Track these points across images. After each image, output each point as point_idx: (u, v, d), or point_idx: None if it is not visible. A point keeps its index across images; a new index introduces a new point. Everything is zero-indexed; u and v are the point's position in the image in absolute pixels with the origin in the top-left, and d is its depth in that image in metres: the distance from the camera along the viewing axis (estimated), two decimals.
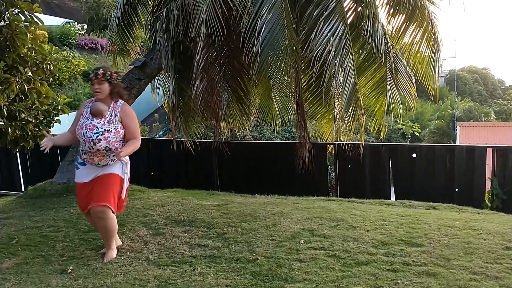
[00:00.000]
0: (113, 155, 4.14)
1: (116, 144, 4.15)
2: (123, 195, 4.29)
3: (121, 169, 4.25)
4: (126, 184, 4.34)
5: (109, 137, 4.11)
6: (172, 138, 7.18)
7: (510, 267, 3.87)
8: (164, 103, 7.56)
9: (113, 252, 4.30)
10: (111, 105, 4.22)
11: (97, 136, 4.08)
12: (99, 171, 4.20)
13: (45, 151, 4.15)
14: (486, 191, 7.56)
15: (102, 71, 4.14)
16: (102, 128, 4.11)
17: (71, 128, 4.37)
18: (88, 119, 4.16)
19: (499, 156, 7.48)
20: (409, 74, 7.29)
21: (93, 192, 4.16)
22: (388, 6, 6.77)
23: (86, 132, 4.10)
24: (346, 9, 6.37)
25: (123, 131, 4.20)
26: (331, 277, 3.73)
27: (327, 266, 3.96)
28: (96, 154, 4.14)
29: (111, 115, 4.18)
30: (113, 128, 4.14)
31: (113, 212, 4.14)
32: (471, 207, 6.54)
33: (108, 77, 4.16)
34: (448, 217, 5.53)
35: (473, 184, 7.61)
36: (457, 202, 6.85)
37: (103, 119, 4.14)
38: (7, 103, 5.59)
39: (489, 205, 7.37)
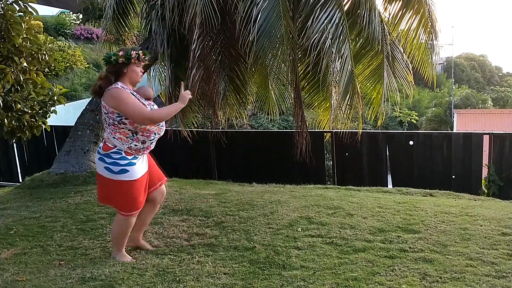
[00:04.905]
0: None
1: None
2: None
3: None
4: None
5: None
6: (169, 128, 7.17)
7: (506, 252, 3.89)
8: (161, 93, 7.54)
9: None
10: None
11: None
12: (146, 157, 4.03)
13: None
14: (483, 178, 7.60)
15: (143, 53, 3.91)
16: None
17: (143, 107, 3.75)
18: (152, 105, 3.89)
19: (496, 142, 7.50)
20: (406, 62, 7.28)
21: (155, 172, 4.13)
22: None
23: None
24: None
25: None
26: (329, 264, 3.74)
27: (324, 253, 3.97)
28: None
29: None
30: None
31: None
32: (468, 193, 6.57)
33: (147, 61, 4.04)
34: (444, 203, 5.56)
35: (470, 171, 7.65)
36: (454, 189, 6.88)
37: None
38: (3, 94, 5.56)
39: (486, 191, 7.40)
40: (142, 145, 3.83)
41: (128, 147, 3.77)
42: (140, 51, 3.83)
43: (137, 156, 3.82)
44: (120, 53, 3.78)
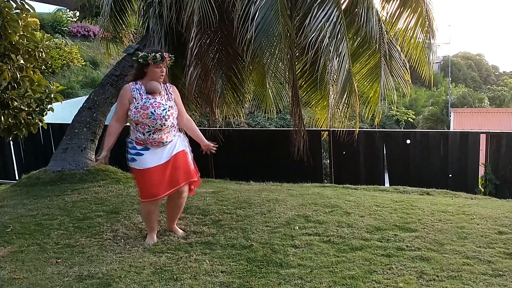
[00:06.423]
0: (174, 131, 4.29)
1: (175, 120, 4.28)
2: (192, 167, 4.41)
3: (184, 143, 4.39)
4: (191, 155, 4.44)
5: (173, 112, 4.23)
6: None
7: (502, 251, 3.90)
8: None
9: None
10: (162, 86, 4.28)
11: (166, 112, 4.16)
12: (171, 150, 4.23)
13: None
14: (479, 177, 7.61)
15: (168, 55, 4.19)
16: (166, 104, 4.20)
17: (117, 116, 4.25)
18: (150, 98, 4.14)
19: (493, 141, 7.50)
20: (404, 60, 7.29)
21: (176, 172, 4.25)
22: None
23: (155, 110, 4.11)
24: None
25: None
26: (326, 263, 3.75)
27: (321, 251, 3.98)
28: (164, 131, 4.18)
29: (166, 94, 4.27)
30: (173, 104, 4.26)
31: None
32: (465, 192, 6.58)
33: (171, 62, 4.29)
34: (441, 202, 5.57)
35: (467, 170, 7.65)
36: (451, 188, 6.88)
37: (162, 96, 4.20)
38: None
39: (483, 190, 7.41)
40: (143, 136, 4.13)
41: (135, 137, 4.18)
42: (157, 54, 4.10)
43: (148, 147, 4.15)
44: (141, 53, 4.12)
